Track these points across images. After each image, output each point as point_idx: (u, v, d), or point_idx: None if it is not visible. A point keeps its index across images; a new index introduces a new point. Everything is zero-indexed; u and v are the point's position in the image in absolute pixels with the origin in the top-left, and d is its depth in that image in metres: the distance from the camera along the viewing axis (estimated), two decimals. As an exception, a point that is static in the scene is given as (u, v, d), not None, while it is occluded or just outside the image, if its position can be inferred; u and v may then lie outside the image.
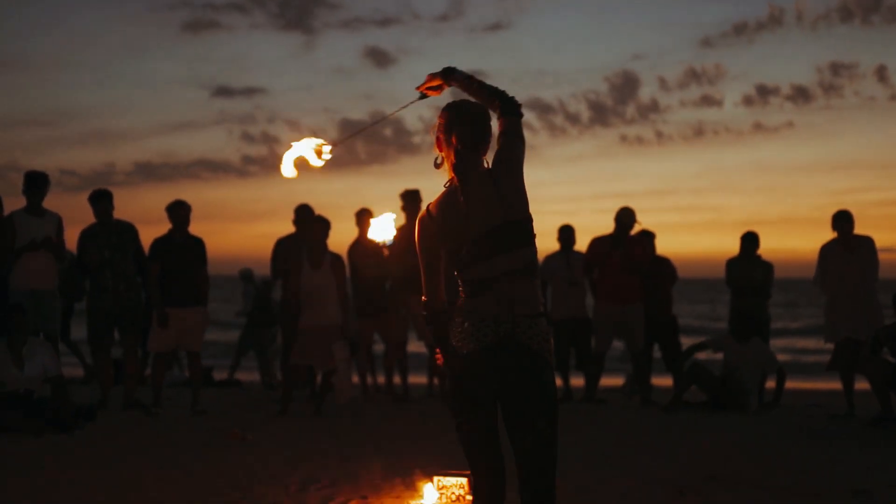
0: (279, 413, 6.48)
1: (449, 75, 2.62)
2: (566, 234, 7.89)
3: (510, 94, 2.55)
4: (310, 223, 6.87)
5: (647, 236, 7.84)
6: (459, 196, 2.45)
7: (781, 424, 6.37)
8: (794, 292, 39.30)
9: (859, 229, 7.09)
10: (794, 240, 65.23)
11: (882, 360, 6.43)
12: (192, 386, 6.88)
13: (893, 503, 4.03)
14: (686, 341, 8.41)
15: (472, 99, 2.61)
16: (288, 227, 7.60)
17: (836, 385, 8.40)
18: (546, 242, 8.11)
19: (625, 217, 7.54)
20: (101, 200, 6.60)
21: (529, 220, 2.47)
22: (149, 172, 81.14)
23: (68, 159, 77.85)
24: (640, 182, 75.00)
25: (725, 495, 4.11)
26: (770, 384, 7.34)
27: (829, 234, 7.15)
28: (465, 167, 2.48)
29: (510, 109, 2.53)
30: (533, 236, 2.48)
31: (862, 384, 7.03)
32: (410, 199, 7.49)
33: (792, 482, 4.40)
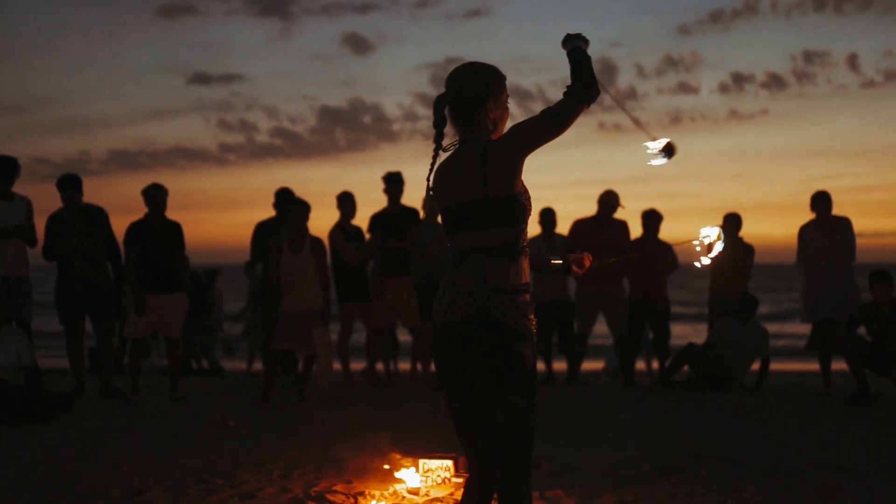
0: (261, 400, 6.43)
1: (564, 42, 2.44)
2: (547, 217, 7.87)
3: (588, 80, 2.32)
4: (290, 207, 6.80)
5: (654, 216, 7.82)
6: (449, 165, 2.45)
7: (761, 404, 6.43)
8: (769, 277, 39.70)
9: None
10: (769, 225, 66.02)
11: (859, 338, 6.50)
12: (170, 373, 6.80)
13: (873, 477, 4.08)
14: (673, 326, 8.34)
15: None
16: (267, 214, 7.51)
17: (812, 366, 8.48)
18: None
19: (608, 199, 7.54)
20: (68, 186, 6.48)
21: (513, 199, 2.36)
22: (124, 161, 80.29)
23: (41, 147, 76.84)
24: (619, 169, 75.42)
25: (708, 474, 4.13)
26: (754, 366, 7.38)
27: (803, 219, 7.20)
28: (452, 134, 2.45)
29: (575, 92, 2.32)
30: (516, 216, 2.37)
31: (839, 364, 7.10)
32: (393, 182, 7.44)
33: (773, 460, 4.44)
